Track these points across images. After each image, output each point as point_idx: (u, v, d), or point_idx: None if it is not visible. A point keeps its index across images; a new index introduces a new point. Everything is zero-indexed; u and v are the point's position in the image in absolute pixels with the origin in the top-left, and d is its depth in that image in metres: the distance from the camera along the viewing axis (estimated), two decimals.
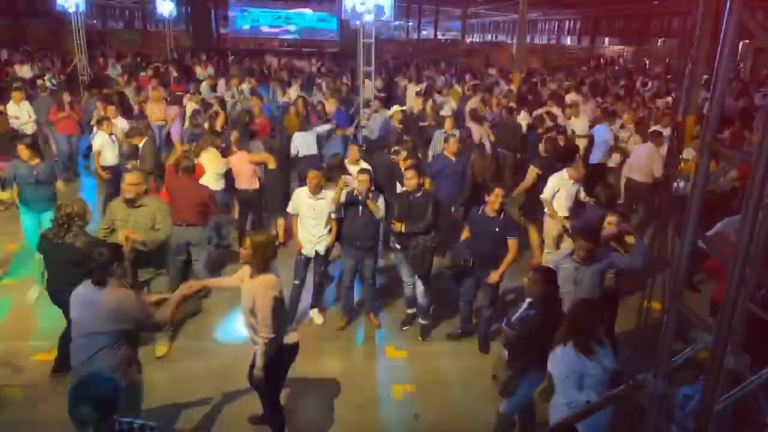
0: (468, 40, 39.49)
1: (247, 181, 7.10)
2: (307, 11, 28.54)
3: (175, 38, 23.49)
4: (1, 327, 5.58)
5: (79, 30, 14.09)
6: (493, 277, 5.14)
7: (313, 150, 8.35)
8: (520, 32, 19.34)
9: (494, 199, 5.12)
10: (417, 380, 5.06)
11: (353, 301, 5.89)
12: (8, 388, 4.69)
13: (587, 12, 36.55)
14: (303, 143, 8.30)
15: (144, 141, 7.61)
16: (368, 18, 10.57)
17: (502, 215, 5.18)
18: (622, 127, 9.80)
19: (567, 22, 42.83)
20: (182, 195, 5.81)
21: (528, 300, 4.01)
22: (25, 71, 15.45)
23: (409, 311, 5.87)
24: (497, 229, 5.15)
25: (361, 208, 5.47)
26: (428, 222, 5.46)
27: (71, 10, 13.37)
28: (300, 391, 4.78)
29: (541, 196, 6.55)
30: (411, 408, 4.71)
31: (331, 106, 10.51)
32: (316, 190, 5.50)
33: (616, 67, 26.11)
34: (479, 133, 9.43)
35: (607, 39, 36.96)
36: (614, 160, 9.27)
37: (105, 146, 7.91)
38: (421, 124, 10.42)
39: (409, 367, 5.30)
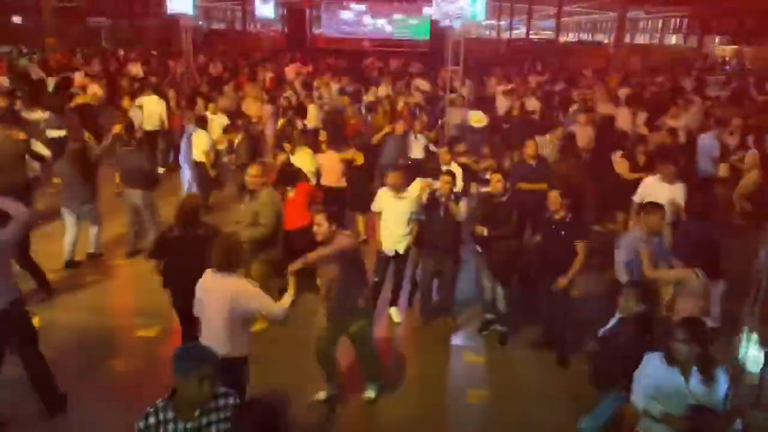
0: (562, 40, 38.10)
1: (334, 178, 7.29)
2: (400, 14, 28.81)
3: (270, 39, 24.46)
4: (106, 304, 6.11)
5: (186, 31, 15.02)
6: (561, 281, 4.96)
7: (418, 154, 8.45)
8: (618, 31, 18.44)
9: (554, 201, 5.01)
10: (493, 386, 4.99)
11: (431, 302, 5.88)
12: (113, 361, 5.10)
13: (695, 9, 34.06)
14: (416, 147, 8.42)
15: (240, 137, 8.02)
16: (459, 19, 10.50)
17: (569, 218, 5.00)
18: (731, 133, 9.08)
19: (672, 20, 40.19)
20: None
21: (618, 316, 3.84)
22: (136, 70, 16.70)
23: (488, 316, 5.79)
24: (563, 232, 4.99)
25: (442, 209, 5.46)
26: (512, 226, 5.35)
27: (180, 11, 14.24)
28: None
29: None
30: (486, 413, 4.66)
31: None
32: (398, 190, 5.56)
33: (727, 68, 24.17)
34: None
35: (717, 38, 34.24)
36: (722, 170, 8.61)
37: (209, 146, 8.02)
38: (505, 125, 10.23)
39: (486, 372, 5.25)
